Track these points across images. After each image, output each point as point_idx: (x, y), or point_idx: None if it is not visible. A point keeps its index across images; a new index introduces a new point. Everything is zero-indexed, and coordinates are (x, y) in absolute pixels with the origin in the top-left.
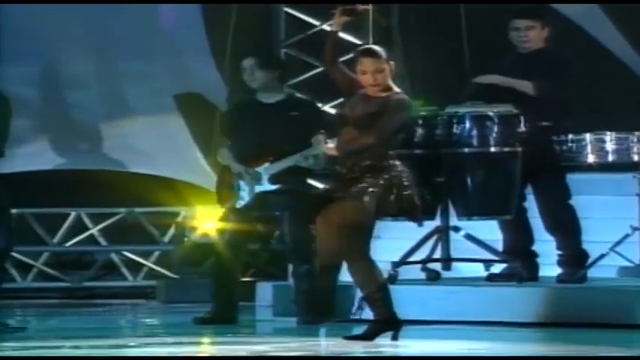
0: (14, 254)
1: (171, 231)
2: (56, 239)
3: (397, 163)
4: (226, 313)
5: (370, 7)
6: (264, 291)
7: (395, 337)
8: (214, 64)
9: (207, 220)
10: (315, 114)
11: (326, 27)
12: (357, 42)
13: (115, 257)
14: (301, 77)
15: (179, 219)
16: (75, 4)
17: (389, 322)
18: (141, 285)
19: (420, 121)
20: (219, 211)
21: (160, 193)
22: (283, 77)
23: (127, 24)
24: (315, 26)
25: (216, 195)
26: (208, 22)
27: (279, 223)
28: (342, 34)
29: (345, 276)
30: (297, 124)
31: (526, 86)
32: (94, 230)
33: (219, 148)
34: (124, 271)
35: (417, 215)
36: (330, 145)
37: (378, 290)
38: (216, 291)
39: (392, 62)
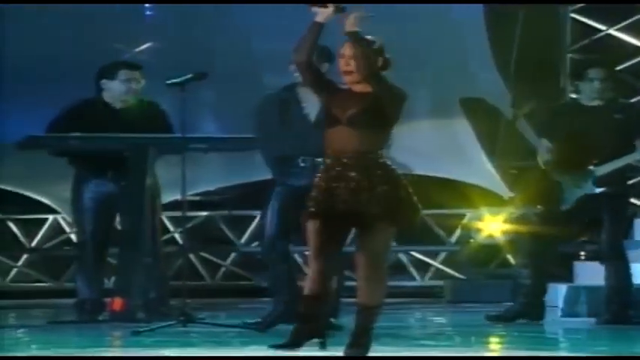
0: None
1: (458, 232)
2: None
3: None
4: (533, 310)
5: None
6: (554, 292)
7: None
8: (496, 71)
9: (492, 222)
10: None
11: (612, 32)
12: None
13: (403, 257)
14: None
15: (465, 220)
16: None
17: None
18: (429, 285)
19: None
20: (505, 212)
21: (445, 195)
22: None
23: (415, 32)
24: (601, 31)
25: (521, 193)
26: (492, 28)
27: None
28: (625, 38)
29: None
30: (621, 127)
31: None
32: None
33: (540, 148)
34: (412, 270)
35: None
36: None
37: None
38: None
39: (387, 57)
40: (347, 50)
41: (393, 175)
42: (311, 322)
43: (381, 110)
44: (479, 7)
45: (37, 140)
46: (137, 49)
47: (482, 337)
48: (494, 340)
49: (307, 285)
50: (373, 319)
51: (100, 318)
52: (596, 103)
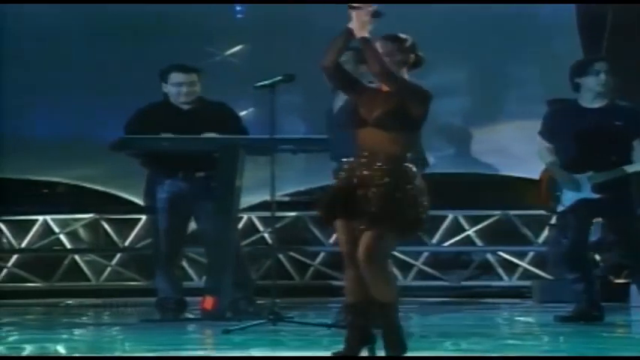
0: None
1: (545, 232)
2: (435, 239)
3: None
4: (590, 312)
5: None
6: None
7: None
8: None
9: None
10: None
11: None
12: None
13: (490, 257)
14: None
15: (552, 221)
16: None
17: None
18: (516, 285)
19: None
20: None
21: (532, 195)
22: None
23: (507, 34)
24: None
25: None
26: (583, 25)
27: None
28: None
29: None
30: (622, 133)
31: None
32: (470, 231)
33: (542, 150)
34: (500, 271)
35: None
36: None
37: None
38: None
39: (420, 54)
40: (380, 49)
41: (406, 179)
42: (360, 330)
43: (407, 111)
44: (570, 10)
45: (130, 142)
46: (227, 52)
47: (570, 337)
48: (580, 340)
49: (347, 293)
50: (390, 316)
51: (191, 316)
52: (597, 104)
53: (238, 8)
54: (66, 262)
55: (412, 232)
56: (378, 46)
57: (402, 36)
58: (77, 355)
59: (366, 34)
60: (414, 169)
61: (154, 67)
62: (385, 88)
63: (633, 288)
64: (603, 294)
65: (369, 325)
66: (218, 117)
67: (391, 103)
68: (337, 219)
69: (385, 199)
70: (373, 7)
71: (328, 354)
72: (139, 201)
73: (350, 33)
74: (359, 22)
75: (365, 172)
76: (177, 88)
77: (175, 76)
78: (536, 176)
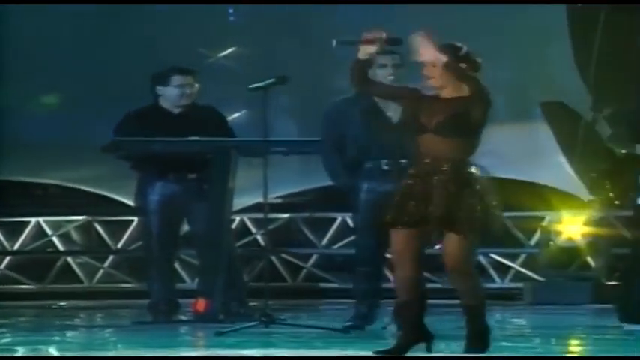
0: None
1: (537, 235)
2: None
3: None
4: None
5: None
6: None
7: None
8: (577, 73)
9: (572, 225)
10: None
11: None
12: None
13: (482, 259)
14: None
15: (544, 223)
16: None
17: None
18: (508, 287)
19: None
20: (584, 215)
21: (525, 197)
22: None
23: (495, 33)
24: None
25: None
26: (574, 30)
27: None
28: None
29: None
30: None
31: None
32: None
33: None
34: (492, 272)
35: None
36: None
37: None
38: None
39: (478, 60)
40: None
41: (473, 181)
42: (412, 327)
43: (468, 116)
44: (561, 9)
45: (122, 144)
46: (221, 54)
47: (562, 338)
48: (574, 342)
49: (398, 292)
50: (477, 318)
51: (184, 318)
52: None
53: (231, 10)
54: (58, 263)
55: (488, 232)
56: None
57: (458, 45)
58: (77, 354)
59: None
60: (477, 170)
61: (147, 69)
62: (444, 94)
63: None
64: (594, 295)
65: (421, 323)
66: (208, 121)
67: (453, 109)
68: (403, 226)
69: (458, 204)
70: (384, 36)
71: (322, 354)
72: (131, 203)
73: (362, 64)
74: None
75: (432, 178)
76: (181, 90)
77: (178, 79)
78: (527, 178)
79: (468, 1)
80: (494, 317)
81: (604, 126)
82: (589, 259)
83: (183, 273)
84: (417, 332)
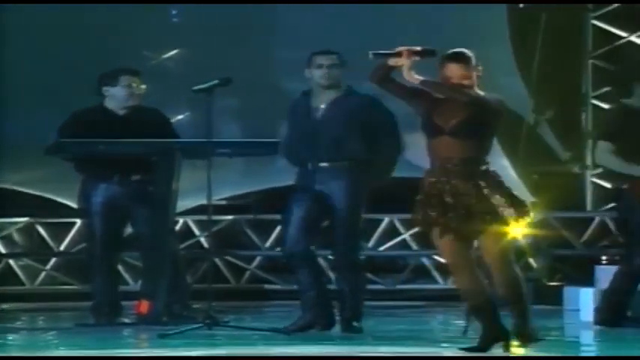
0: None
1: None
2: (371, 243)
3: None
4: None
5: None
6: (575, 296)
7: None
8: (519, 76)
9: (514, 226)
10: None
11: (634, 38)
12: None
13: (426, 261)
14: (608, 87)
15: None
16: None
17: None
18: (451, 288)
19: None
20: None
21: None
22: None
23: (435, 34)
24: (622, 37)
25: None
26: (515, 32)
27: None
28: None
29: None
30: None
31: None
32: (405, 235)
33: (599, 151)
34: (435, 274)
35: None
36: None
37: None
38: None
39: (480, 67)
40: (455, 72)
41: (495, 181)
42: (491, 327)
43: (482, 119)
44: (502, 11)
45: (66, 146)
46: (164, 56)
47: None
48: (513, 342)
49: (466, 297)
50: (521, 313)
51: (127, 320)
52: None
53: (174, 12)
54: (0, 266)
55: (519, 226)
56: (455, 68)
57: (468, 53)
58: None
59: (415, 78)
60: (491, 167)
61: (90, 70)
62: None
63: (566, 290)
64: (537, 297)
65: (499, 322)
66: (152, 123)
67: (467, 112)
68: (447, 233)
69: (485, 203)
70: (416, 49)
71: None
72: (74, 205)
73: (390, 69)
74: (405, 71)
75: (451, 180)
76: (129, 90)
77: (126, 79)
78: None
79: (407, 1)
80: (438, 318)
81: (546, 128)
82: (531, 260)
83: (126, 275)
84: (495, 332)
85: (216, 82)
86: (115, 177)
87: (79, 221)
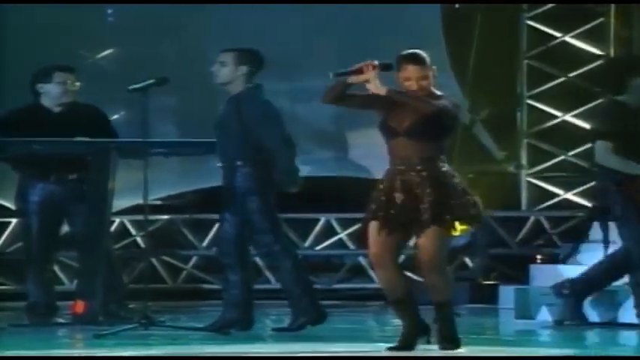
0: None
1: None
2: (307, 243)
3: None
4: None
5: (612, 16)
6: (509, 294)
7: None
8: (454, 76)
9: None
10: None
11: (568, 39)
12: (598, 52)
13: (362, 260)
14: (543, 87)
15: None
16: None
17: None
18: None
19: None
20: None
21: None
22: None
23: (368, 33)
24: (556, 38)
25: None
26: (448, 34)
27: None
28: (581, 44)
29: None
30: None
31: None
32: (342, 235)
33: (602, 150)
34: (371, 273)
35: None
36: None
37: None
38: None
39: (434, 67)
40: (413, 73)
41: (447, 179)
42: (413, 322)
43: (436, 120)
44: (436, 10)
45: (1, 145)
46: (100, 55)
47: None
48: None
49: (387, 293)
50: (449, 316)
51: (62, 321)
52: None
53: (110, 11)
54: None
55: (468, 226)
56: (413, 70)
57: (423, 54)
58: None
59: (383, 89)
60: (448, 167)
61: (25, 69)
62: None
63: (502, 289)
64: (472, 296)
65: (418, 317)
66: (89, 120)
67: (419, 114)
68: (385, 227)
69: (432, 202)
70: (375, 63)
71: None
72: (9, 204)
73: (347, 87)
74: (372, 84)
75: (405, 179)
76: (63, 87)
77: (60, 75)
78: None
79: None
80: (374, 317)
81: (481, 128)
82: (466, 259)
83: (62, 275)
84: (414, 327)
85: (152, 81)
86: (51, 176)
87: (13, 221)
